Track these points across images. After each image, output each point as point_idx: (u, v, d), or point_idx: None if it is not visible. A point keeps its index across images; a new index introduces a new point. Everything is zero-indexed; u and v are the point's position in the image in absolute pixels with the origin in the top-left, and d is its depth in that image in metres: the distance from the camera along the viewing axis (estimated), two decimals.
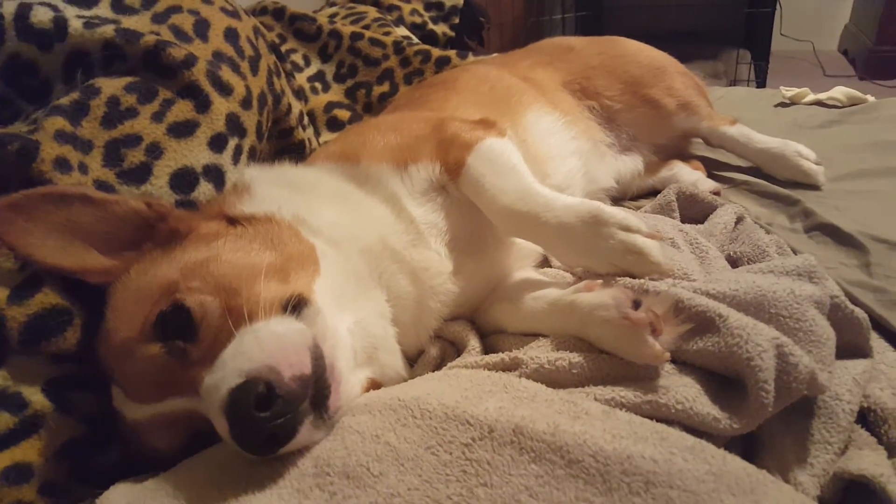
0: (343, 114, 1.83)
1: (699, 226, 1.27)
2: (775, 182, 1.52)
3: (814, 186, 1.47)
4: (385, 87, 1.90)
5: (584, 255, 0.93)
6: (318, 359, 0.70)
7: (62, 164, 0.89)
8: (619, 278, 0.90)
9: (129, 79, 1.03)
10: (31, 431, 0.80)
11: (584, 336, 0.86)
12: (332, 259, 0.89)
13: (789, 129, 1.74)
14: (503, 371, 0.86)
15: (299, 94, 1.62)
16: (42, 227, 0.82)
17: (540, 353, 0.86)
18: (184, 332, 0.74)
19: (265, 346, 0.68)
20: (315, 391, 0.69)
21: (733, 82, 3.86)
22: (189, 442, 0.76)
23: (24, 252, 0.81)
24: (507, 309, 1.02)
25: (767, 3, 3.78)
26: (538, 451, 0.64)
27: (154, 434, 0.77)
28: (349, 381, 0.76)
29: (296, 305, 0.75)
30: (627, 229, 0.90)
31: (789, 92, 1.98)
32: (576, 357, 0.83)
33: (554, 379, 0.82)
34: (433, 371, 0.97)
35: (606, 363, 0.82)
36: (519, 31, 4.03)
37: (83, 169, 0.92)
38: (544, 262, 1.20)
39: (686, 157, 1.75)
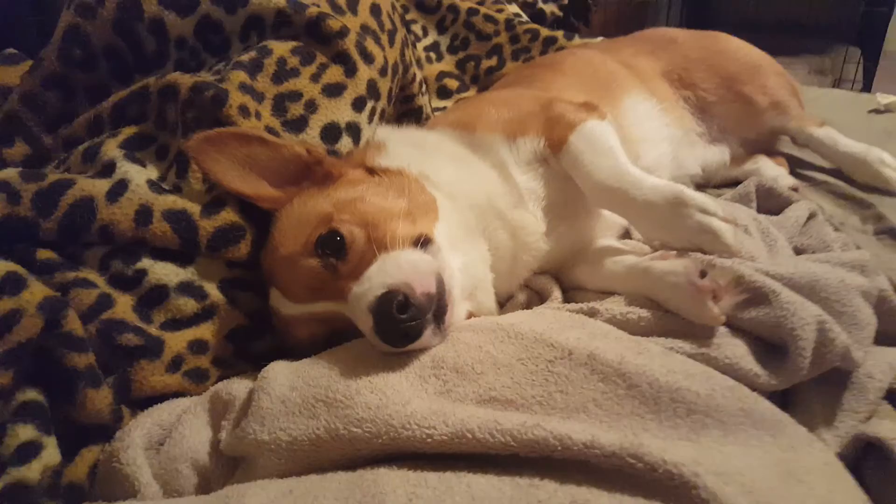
0: (452, 83, 2.01)
1: (773, 217, 1.39)
2: (854, 185, 1.60)
3: (891, 193, 1.55)
4: (493, 62, 2.06)
5: (663, 230, 1.07)
6: (440, 283, 0.88)
7: (244, 111, 1.11)
8: (690, 253, 1.06)
9: (294, 43, 1.24)
10: (209, 317, 1.04)
11: (653, 297, 1.03)
12: (449, 210, 1.09)
13: (879, 137, 1.79)
14: None
15: (417, 62, 1.80)
16: (228, 159, 1.04)
17: (613, 306, 1.03)
18: (336, 252, 0.93)
19: (403, 268, 0.87)
20: (436, 307, 0.88)
21: (838, 81, 3.79)
22: (326, 337, 0.98)
23: (215, 177, 1.03)
24: (588, 269, 1.20)
25: (884, 3, 3.68)
26: (606, 373, 0.82)
27: (302, 327, 0.99)
28: (459, 305, 0.96)
29: (423, 242, 0.94)
30: (705, 212, 1.04)
31: (885, 99, 2.02)
32: (644, 312, 1.00)
33: (623, 328, 0.99)
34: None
35: (670, 320, 0.99)
36: (623, 13, 4.07)
37: (258, 116, 1.14)
38: (625, 235, 1.36)
39: (772, 152, 1.84)
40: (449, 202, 1.08)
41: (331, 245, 0.94)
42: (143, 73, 1.22)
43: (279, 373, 0.89)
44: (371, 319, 0.86)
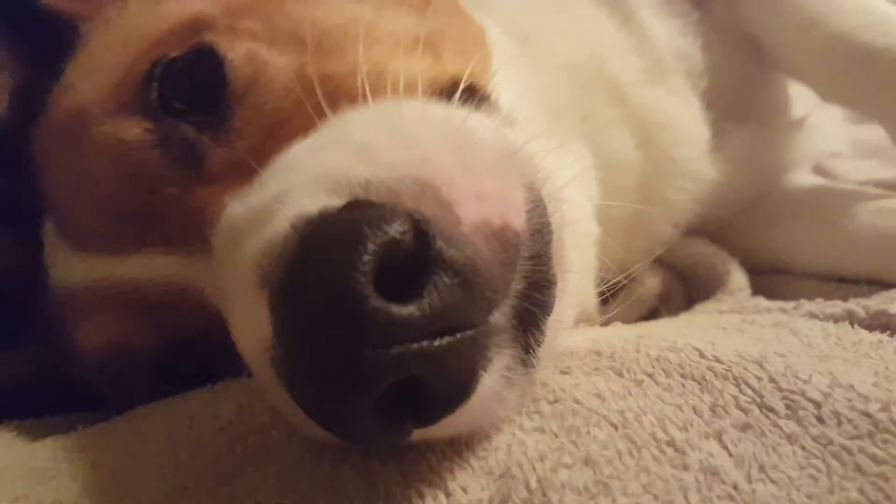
0: None
1: None
2: None
3: None
4: None
5: None
6: (538, 206, 0.27)
7: None
8: None
9: None
10: None
11: None
12: (516, 67, 0.45)
13: None
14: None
15: None
16: None
17: None
18: (201, 103, 0.36)
19: (417, 140, 0.27)
20: (527, 285, 0.26)
21: None
22: (163, 354, 0.35)
23: None
24: (802, 231, 0.56)
25: None
26: None
27: (101, 324, 0.36)
28: (568, 287, 0.31)
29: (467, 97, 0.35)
30: None
31: None
32: None
33: None
34: (647, 313, 0.54)
35: None
36: None
37: None
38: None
39: None
40: (513, 46, 0.51)
41: (188, 86, 0.34)
42: None
43: None
44: (274, 312, 0.23)
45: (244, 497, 0.24)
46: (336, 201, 0.24)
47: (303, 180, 0.26)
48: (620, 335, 0.35)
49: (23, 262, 0.43)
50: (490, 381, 0.24)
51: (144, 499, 0.25)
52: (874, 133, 0.80)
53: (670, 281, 0.58)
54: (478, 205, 0.25)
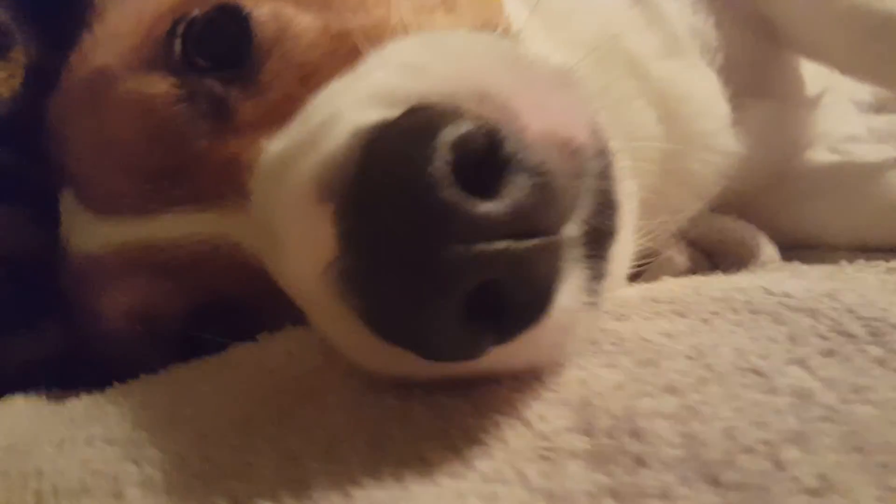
0: None
1: None
2: None
3: None
4: None
5: None
6: (598, 126, 0.26)
7: None
8: None
9: None
10: None
11: None
12: (528, 26, 0.45)
13: None
14: None
15: None
16: None
17: None
18: (225, 61, 0.34)
19: (470, 56, 0.27)
20: (594, 205, 0.25)
21: None
22: (193, 317, 0.34)
23: None
24: (830, 204, 0.55)
25: None
26: None
27: (127, 287, 0.34)
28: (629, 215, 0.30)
29: None
30: None
31: None
32: None
33: None
34: None
35: None
36: None
37: None
38: None
39: None
40: (524, 9, 0.47)
41: (211, 41, 0.35)
42: None
43: None
44: (344, 219, 0.21)
45: (313, 427, 0.22)
46: (394, 110, 0.22)
47: (353, 100, 0.24)
48: (676, 283, 0.34)
49: (38, 241, 0.41)
50: (565, 298, 0.22)
51: (208, 431, 0.23)
52: (892, 123, 0.80)
53: (698, 258, 0.57)
54: (542, 115, 0.24)
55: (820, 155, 0.65)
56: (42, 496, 0.23)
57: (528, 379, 0.24)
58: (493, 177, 0.20)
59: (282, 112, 0.30)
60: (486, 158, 0.20)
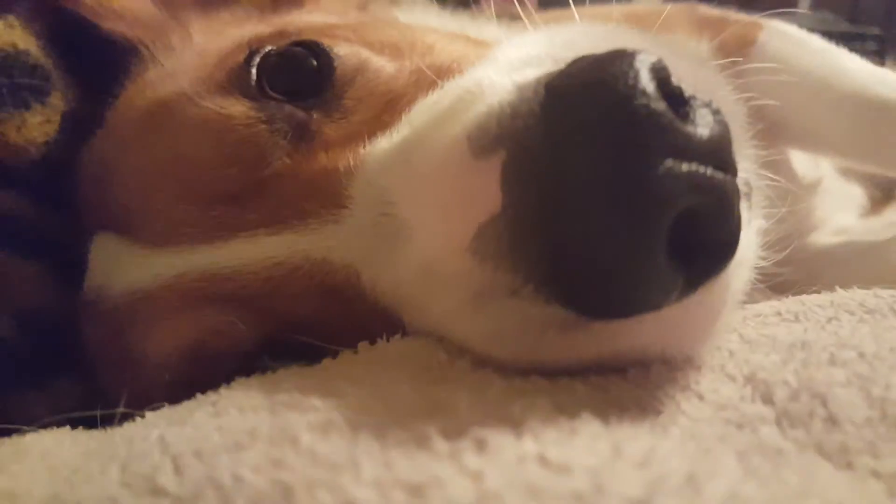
0: None
1: None
2: None
3: None
4: None
5: None
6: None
7: None
8: None
9: None
10: None
11: None
12: None
13: None
14: None
15: None
16: None
17: None
18: (300, 94, 0.33)
19: (603, 36, 0.30)
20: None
21: None
22: (257, 348, 0.31)
23: None
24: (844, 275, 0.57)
25: None
26: None
27: (183, 321, 0.31)
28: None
29: None
30: None
31: None
32: None
33: None
34: None
35: None
36: None
37: None
38: None
39: None
40: None
41: (290, 71, 0.34)
42: None
43: None
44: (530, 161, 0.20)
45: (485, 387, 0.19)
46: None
47: (498, 69, 0.24)
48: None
49: (58, 294, 0.37)
50: (744, 246, 0.21)
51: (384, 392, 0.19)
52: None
53: None
54: (693, 84, 0.24)
55: (823, 238, 0.67)
56: None
57: (676, 362, 0.23)
58: (677, 109, 0.20)
59: (370, 130, 0.29)
60: (672, 91, 0.20)
